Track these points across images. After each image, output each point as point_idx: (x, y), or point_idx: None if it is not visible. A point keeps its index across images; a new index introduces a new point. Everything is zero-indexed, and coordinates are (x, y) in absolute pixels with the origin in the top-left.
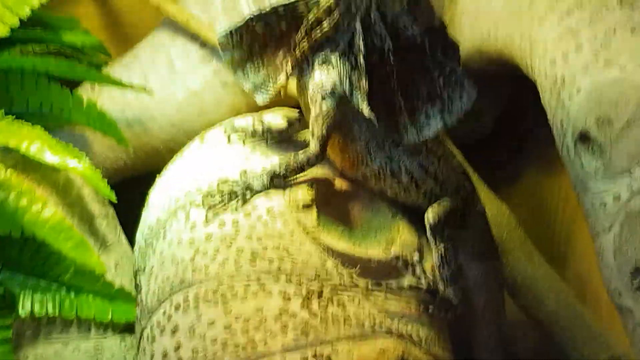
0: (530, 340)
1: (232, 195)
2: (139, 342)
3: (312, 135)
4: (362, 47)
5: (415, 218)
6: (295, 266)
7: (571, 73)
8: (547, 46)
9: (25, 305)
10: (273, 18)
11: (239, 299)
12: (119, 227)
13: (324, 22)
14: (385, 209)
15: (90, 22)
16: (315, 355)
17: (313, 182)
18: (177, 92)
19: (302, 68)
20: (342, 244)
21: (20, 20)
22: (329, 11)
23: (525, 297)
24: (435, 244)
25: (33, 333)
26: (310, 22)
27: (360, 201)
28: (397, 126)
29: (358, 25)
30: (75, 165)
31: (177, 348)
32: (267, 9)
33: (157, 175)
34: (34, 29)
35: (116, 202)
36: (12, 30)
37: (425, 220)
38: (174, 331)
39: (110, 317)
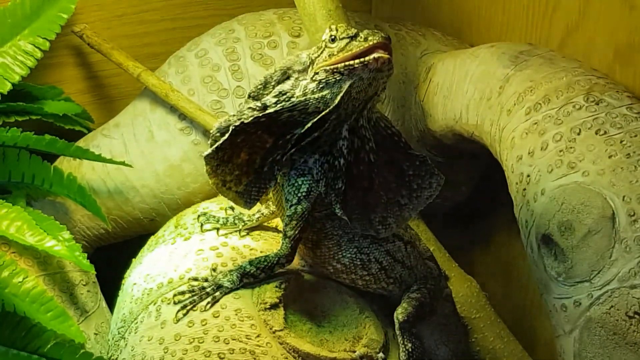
0: None
1: (203, 294)
2: None
3: (283, 236)
4: (344, 151)
5: (382, 310)
6: None
7: (536, 172)
8: (514, 140)
9: None
10: (252, 127)
11: None
12: (99, 294)
13: (316, 131)
14: (353, 304)
15: (73, 86)
16: None
17: (282, 282)
18: (156, 163)
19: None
20: (308, 345)
21: (2, 94)
22: (322, 122)
23: None
24: (403, 342)
25: None
26: (302, 132)
27: (328, 296)
28: (370, 222)
29: (345, 131)
30: (53, 244)
31: None
32: (249, 119)
33: (133, 258)
34: (16, 102)
35: (96, 273)
36: None
37: (395, 318)
38: None
39: None
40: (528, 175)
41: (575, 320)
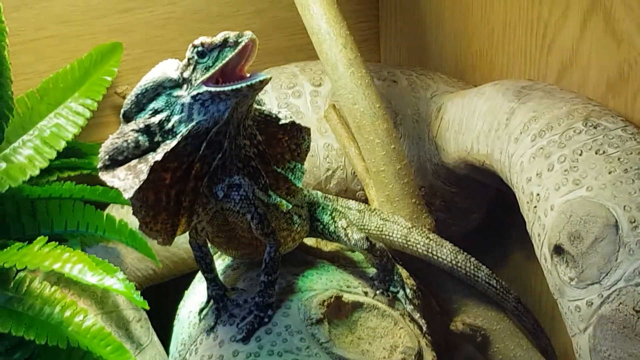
0: None
1: (259, 318)
2: None
3: (264, 236)
4: (251, 155)
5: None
6: None
7: (545, 191)
8: (523, 165)
9: None
10: (157, 164)
11: None
12: (151, 329)
13: (218, 154)
14: (388, 317)
15: None
16: None
17: (324, 300)
18: None
19: (205, 205)
20: (351, 354)
21: (58, 152)
22: (220, 144)
23: None
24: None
25: None
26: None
27: (365, 312)
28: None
29: (242, 141)
30: (110, 283)
31: None
32: (160, 155)
33: (185, 289)
34: (69, 158)
35: (148, 308)
36: (50, 160)
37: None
38: None
39: None
40: (538, 194)
41: (589, 318)
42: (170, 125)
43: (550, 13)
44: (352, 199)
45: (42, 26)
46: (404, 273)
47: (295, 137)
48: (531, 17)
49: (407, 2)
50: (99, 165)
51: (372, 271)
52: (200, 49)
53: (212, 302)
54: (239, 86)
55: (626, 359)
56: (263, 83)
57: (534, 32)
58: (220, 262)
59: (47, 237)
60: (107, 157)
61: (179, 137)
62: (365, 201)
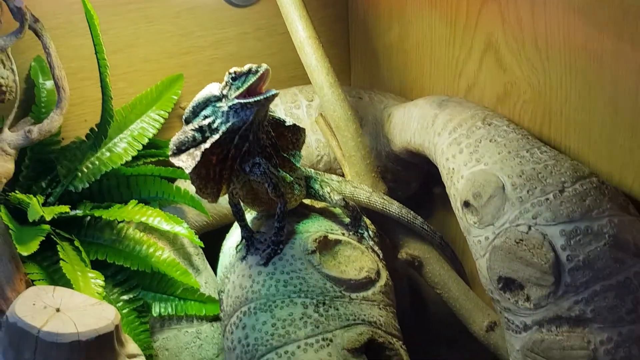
0: (441, 313)
1: (274, 249)
2: (224, 332)
3: (276, 196)
4: (267, 144)
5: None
6: (309, 288)
7: (457, 166)
8: (443, 149)
9: (155, 310)
10: (208, 150)
11: (278, 308)
12: (205, 260)
13: (246, 142)
14: (358, 249)
15: None
16: (324, 339)
17: (316, 237)
18: None
19: (238, 176)
20: (334, 273)
21: (143, 145)
22: (246, 137)
23: (441, 289)
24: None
25: (160, 325)
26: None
27: (343, 245)
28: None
29: (261, 135)
30: (178, 229)
31: (246, 337)
32: (208, 144)
33: (226, 233)
34: (150, 149)
35: (203, 246)
36: (138, 150)
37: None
38: (243, 327)
39: (204, 313)
40: (453, 169)
41: (486, 248)
42: (215, 125)
43: (460, 53)
44: (334, 174)
45: (132, 64)
46: (367, 221)
47: (295, 134)
48: (448, 56)
49: (368, 48)
50: (170, 153)
51: (347, 220)
52: (233, 75)
53: (244, 240)
54: (259, 98)
55: (510, 272)
56: (274, 96)
57: (450, 66)
58: (249, 215)
59: (136, 201)
60: (174, 147)
61: (220, 133)
62: (342, 175)
